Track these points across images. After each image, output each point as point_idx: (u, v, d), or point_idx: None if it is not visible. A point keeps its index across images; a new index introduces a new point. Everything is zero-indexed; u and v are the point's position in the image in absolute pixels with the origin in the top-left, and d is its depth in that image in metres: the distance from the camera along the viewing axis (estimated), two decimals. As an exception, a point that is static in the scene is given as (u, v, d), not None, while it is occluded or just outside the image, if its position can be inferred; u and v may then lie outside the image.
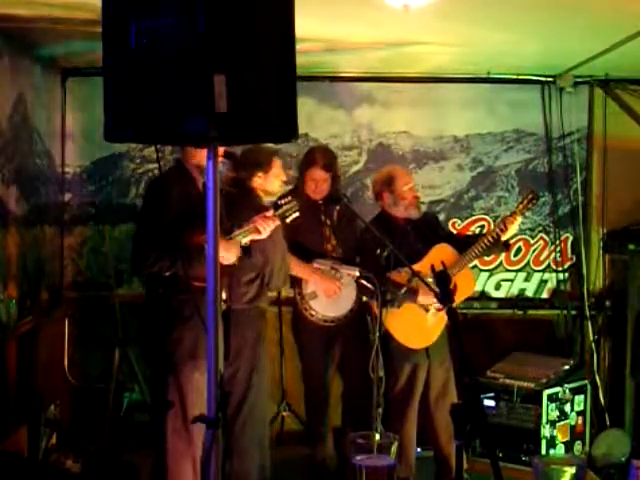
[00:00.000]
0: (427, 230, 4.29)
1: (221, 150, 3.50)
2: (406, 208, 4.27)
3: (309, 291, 4.41)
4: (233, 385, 3.84)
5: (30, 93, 4.80)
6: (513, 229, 4.17)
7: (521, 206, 4.19)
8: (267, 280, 3.98)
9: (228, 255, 3.43)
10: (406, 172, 4.53)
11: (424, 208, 5.40)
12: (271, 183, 4.08)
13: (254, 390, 3.88)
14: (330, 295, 4.39)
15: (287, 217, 3.72)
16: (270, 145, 4.11)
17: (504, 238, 4.18)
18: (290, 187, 4.87)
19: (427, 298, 4.05)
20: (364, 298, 4.32)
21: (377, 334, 3.92)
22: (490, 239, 4.13)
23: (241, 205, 3.82)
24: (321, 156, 4.47)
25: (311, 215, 4.39)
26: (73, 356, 5.21)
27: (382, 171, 4.50)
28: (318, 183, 4.41)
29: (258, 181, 4.05)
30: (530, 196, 4.21)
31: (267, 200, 4.10)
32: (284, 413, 5.10)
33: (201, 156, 3.44)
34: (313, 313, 4.39)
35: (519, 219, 4.16)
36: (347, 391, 4.60)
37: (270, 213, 3.65)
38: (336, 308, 4.42)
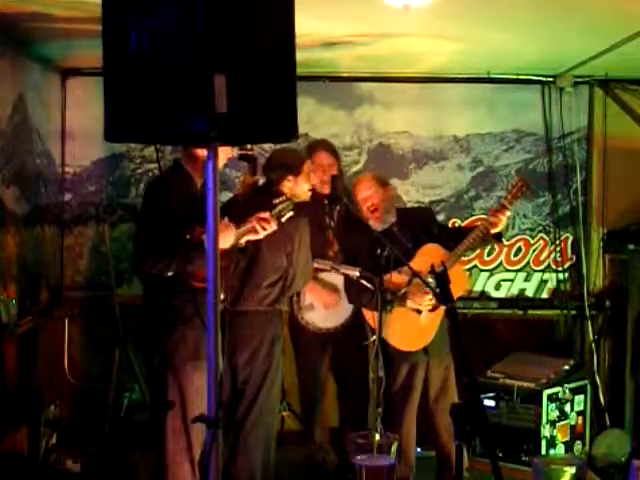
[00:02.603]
0: (417, 229, 4.18)
1: (228, 150, 3.50)
2: (367, 219, 4.10)
3: (307, 303, 4.38)
4: (247, 385, 3.85)
5: (30, 93, 4.80)
6: (503, 222, 4.01)
7: (510, 196, 4.03)
8: (289, 283, 3.94)
9: (224, 239, 3.29)
10: (367, 181, 4.21)
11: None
12: (301, 187, 3.97)
13: (265, 391, 3.89)
14: (327, 308, 4.37)
15: (282, 216, 3.65)
16: (298, 147, 4.06)
17: (494, 231, 4.04)
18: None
19: (416, 302, 4.03)
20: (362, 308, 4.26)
21: (377, 334, 3.90)
22: (479, 234, 4.01)
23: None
24: (321, 142, 4.52)
25: (315, 218, 4.33)
26: (73, 356, 5.21)
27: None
28: (325, 169, 4.33)
29: (288, 185, 3.92)
30: (519, 184, 4.03)
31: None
32: (284, 413, 5.08)
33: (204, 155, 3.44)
34: (308, 322, 4.38)
35: (508, 213, 4.00)
36: (342, 391, 4.62)
37: (266, 214, 3.59)
38: (332, 319, 4.41)
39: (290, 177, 3.94)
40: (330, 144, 4.58)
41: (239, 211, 3.58)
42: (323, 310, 4.38)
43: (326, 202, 4.39)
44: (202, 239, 3.29)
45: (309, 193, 4.03)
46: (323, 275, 4.35)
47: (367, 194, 4.15)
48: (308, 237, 4.01)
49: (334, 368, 4.59)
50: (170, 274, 3.36)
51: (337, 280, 4.35)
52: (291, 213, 3.68)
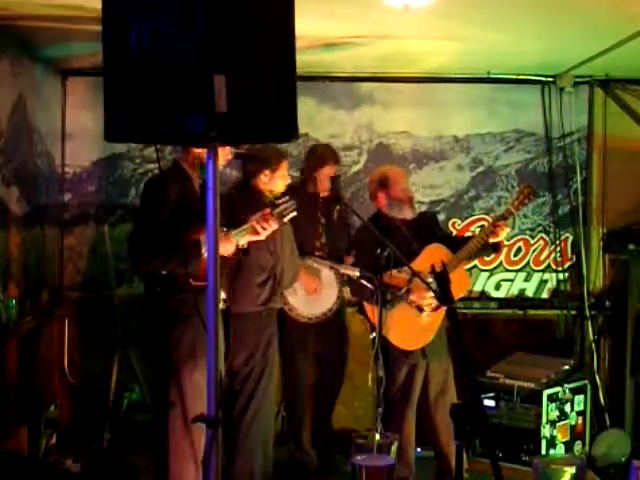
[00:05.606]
0: (424, 230, 4.24)
1: (227, 150, 3.49)
2: (401, 209, 4.20)
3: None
4: (245, 385, 3.86)
5: (30, 93, 4.80)
6: (504, 233, 4.02)
7: (517, 202, 4.03)
8: (278, 279, 3.98)
9: (224, 248, 3.36)
10: (401, 172, 4.41)
11: (424, 208, 5.42)
12: (276, 183, 4.03)
13: (262, 390, 3.90)
14: (309, 292, 4.42)
15: (285, 216, 3.67)
16: (280, 146, 4.09)
17: (493, 241, 4.03)
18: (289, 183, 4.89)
19: (419, 297, 4.04)
20: (364, 303, 4.30)
21: (377, 334, 3.90)
22: (481, 240, 4.03)
23: (247, 204, 3.78)
24: (331, 154, 4.59)
25: (309, 211, 4.41)
26: (73, 356, 5.21)
27: (377, 171, 4.42)
28: (330, 179, 4.43)
29: (264, 179, 4.00)
30: (526, 191, 4.04)
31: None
32: (284, 413, 5.09)
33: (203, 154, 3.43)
34: (291, 308, 4.43)
35: (508, 229, 4.04)
36: (320, 387, 4.68)
37: (267, 211, 3.60)
38: (314, 307, 4.47)
39: (267, 172, 3.98)
40: (335, 153, 4.66)
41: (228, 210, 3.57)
42: (305, 295, 4.43)
43: (321, 199, 4.49)
44: (198, 239, 3.30)
45: (283, 190, 4.07)
46: (306, 261, 4.45)
47: (407, 185, 4.31)
48: (291, 232, 4.09)
49: (315, 359, 4.63)
50: (165, 273, 3.35)
51: (320, 267, 4.47)
52: (294, 213, 3.70)
